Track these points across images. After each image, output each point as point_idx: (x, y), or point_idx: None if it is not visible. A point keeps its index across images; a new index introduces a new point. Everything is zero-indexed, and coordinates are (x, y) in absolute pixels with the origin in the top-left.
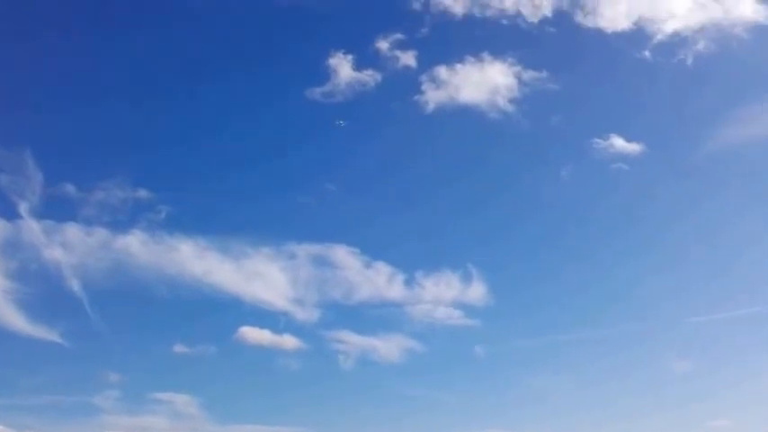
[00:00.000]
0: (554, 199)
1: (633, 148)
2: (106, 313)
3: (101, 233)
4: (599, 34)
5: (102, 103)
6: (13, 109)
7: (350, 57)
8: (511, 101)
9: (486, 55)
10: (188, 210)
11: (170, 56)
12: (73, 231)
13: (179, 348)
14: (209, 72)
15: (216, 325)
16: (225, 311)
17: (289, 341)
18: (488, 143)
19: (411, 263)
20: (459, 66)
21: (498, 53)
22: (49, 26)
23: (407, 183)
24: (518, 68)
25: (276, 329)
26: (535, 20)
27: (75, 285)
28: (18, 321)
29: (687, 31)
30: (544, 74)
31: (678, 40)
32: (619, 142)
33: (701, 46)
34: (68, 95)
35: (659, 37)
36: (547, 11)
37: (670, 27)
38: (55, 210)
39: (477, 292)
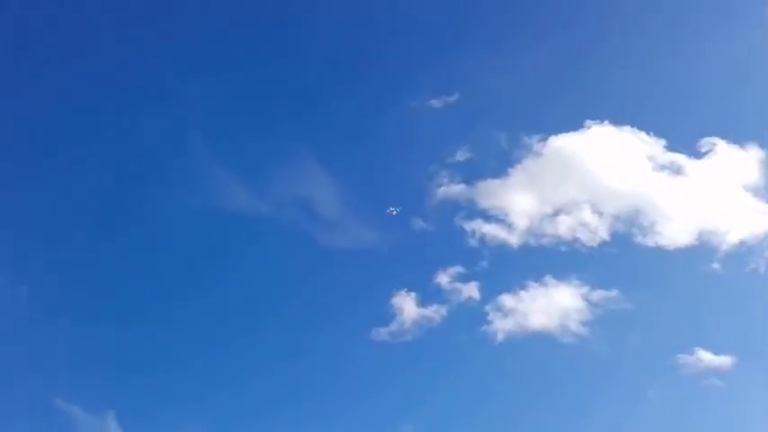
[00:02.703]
0: (644, 421)
1: (723, 360)
2: None
3: None
4: (662, 251)
5: (174, 360)
6: (99, 373)
7: (413, 294)
8: (583, 323)
9: (549, 279)
10: None
11: (236, 302)
12: None
13: None
14: (280, 321)
15: None
16: None
17: None
18: (565, 368)
19: None
20: (522, 292)
21: (561, 276)
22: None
23: (486, 416)
24: (585, 289)
25: None
26: (594, 244)
27: None
28: None
29: (753, 239)
30: (614, 293)
31: (746, 250)
32: (707, 356)
33: None
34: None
35: (725, 248)
36: (604, 234)
37: (734, 237)
38: None
39: None
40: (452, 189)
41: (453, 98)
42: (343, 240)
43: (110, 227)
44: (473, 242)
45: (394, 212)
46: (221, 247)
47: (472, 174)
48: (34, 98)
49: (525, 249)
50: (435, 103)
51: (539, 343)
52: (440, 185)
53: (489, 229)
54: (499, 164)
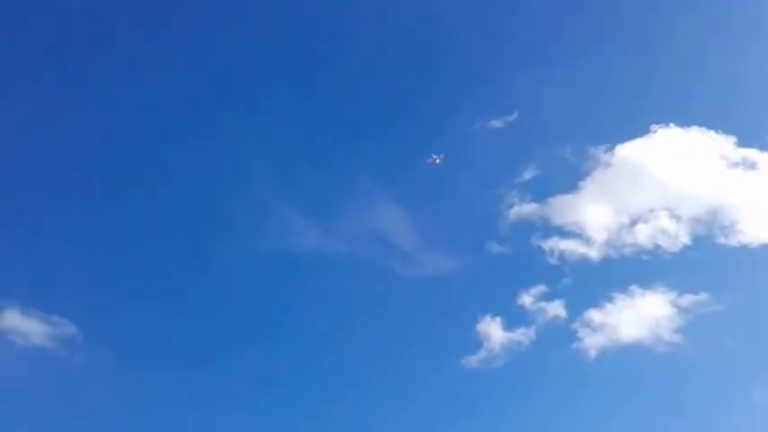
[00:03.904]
0: (752, 424)
1: None
2: None
3: None
4: (746, 249)
5: (264, 397)
6: None
7: (498, 318)
8: (675, 330)
9: (635, 289)
10: None
11: (322, 340)
12: None
13: None
14: (368, 356)
15: None
16: None
17: None
18: (664, 379)
19: None
20: (609, 305)
21: (647, 284)
22: None
23: None
24: (673, 296)
25: None
26: (676, 249)
27: None
28: None
29: None
30: (703, 296)
31: None
32: None
33: None
34: None
35: None
36: (685, 239)
37: None
38: None
39: None
40: (524, 209)
41: (513, 117)
42: (421, 270)
43: (185, 280)
44: (552, 260)
45: (437, 160)
46: (300, 287)
47: (542, 191)
48: (99, 162)
49: (607, 262)
50: (496, 123)
51: (633, 355)
52: (511, 206)
53: (567, 246)
54: (569, 178)
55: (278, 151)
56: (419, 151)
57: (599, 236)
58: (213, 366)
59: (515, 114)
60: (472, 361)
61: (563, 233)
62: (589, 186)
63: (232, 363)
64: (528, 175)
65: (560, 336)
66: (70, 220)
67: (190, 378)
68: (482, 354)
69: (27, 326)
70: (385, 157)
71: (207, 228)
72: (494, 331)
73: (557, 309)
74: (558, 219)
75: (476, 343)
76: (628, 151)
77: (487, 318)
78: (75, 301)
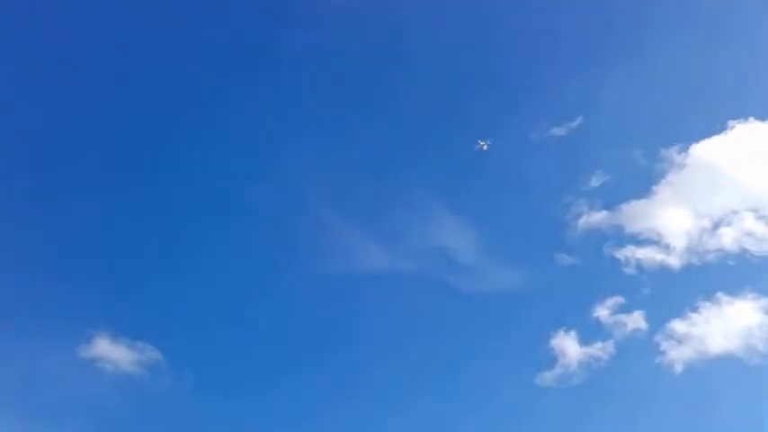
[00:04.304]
0: None
1: None
2: None
3: None
4: None
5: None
6: None
7: (572, 333)
8: None
9: (721, 296)
10: None
11: (395, 361)
12: None
13: None
14: (440, 376)
15: None
16: None
17: None
18: (758, 393)
19: None
20: (694, 315)
21: (735, 291)
22: None
23: None
24: (764, 302)
25: None
26: (765, 252)
27: None
28: None
29: None
30: None
31: None
32: None
33: None
34: None
35: None
36: None
37: None
38: None
39: None
40: (594, 217)
41: (576, 123)
42: (488, 285)
43: (258, 305)
44: (629, 270)
45: (484, 147)
46: (368, 308)
47: (613, 198)
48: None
49: (689, 269)
50: (558, 131)
51: (723, 368)
52: (579, 216)
53: (644, 254)
54: (641, 183)
55: (338, 169)
56: (480, 163)
57: (678, 242)
58: (288, 386)
59: (579, 120)
60: (548, 378)
61: (638, 241)
62: (664, 190)
63: (305, 383)
64: (596, 181)
65: (642, 349)
66: (150, 254)
67: (265, 397)
68: (558, 370)
69: (115, 352)
70: (445, 170)
71: (272, 253)
72: (569, 346)
73: (636, 321)
74: (632, 226)
75: (550, 359)
76: (704, 150)
77: (561, 332)
78: (158, 327)
